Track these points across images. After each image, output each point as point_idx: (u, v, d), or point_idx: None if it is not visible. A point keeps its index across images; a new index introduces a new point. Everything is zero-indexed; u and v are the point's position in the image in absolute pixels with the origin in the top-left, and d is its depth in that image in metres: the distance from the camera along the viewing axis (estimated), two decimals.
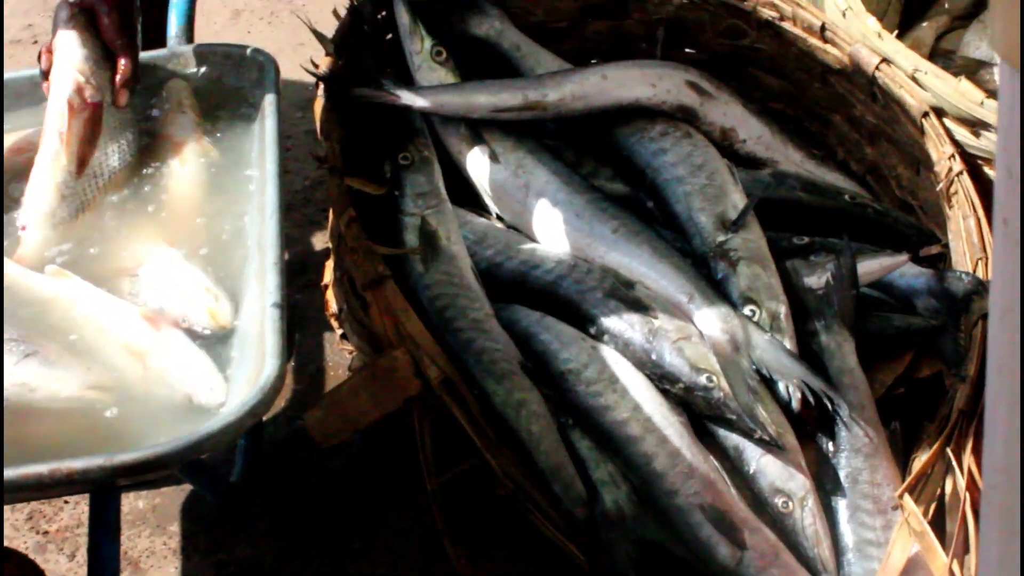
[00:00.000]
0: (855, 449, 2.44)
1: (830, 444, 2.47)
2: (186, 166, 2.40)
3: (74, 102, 2.26)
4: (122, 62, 2.36)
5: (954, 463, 2.35)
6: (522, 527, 2.41)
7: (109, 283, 2.15)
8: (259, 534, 2.57)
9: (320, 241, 3.36)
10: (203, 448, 1.60)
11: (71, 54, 2.30)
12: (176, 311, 2.07)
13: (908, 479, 2.36)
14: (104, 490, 1.96)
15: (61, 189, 2.26)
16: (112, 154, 2.36)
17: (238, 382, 1.85)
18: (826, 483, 2.44)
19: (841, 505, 2.42)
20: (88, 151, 2.29)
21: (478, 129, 2.84)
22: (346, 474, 2.67)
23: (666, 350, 2.48)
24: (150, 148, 2.47)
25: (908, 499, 2.33)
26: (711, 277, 2.62)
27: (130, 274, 2.19)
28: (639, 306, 2.54)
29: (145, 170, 2.41)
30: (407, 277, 2.59)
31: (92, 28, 2.34)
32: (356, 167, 2.67)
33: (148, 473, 1.59)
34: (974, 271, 2.62)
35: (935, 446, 2.38)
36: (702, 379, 2.44)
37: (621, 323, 2.53)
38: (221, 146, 2.47)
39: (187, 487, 2.65)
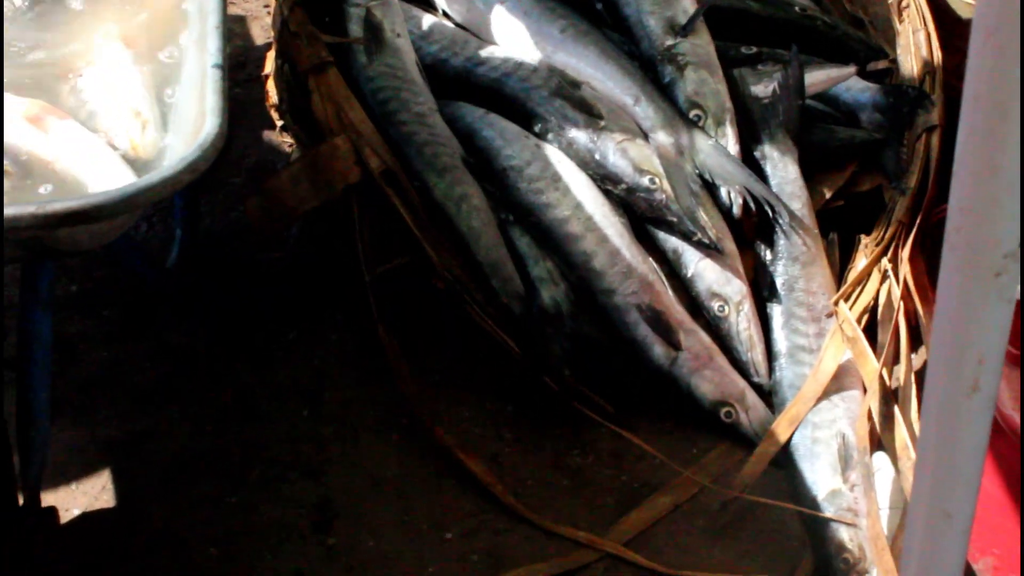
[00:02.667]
0: (793, 257, 2.46)
1: (768, 251, 2.48)
2: None
3: None
4: None
5: (891, 272, 2.37)
6: (459, 323, 2.42)
7: (51, 84, 2.04)
8: (194, 322, 2.55)
9: (261, 37, 3.27)
10: (139, 201, 1.54)
11: None
12: (102, 127, 1.97)
13: (844, 287, 2.39)
14: (38, 254, 1.90)
15: None
16: None
17: (175, 145, 1.80)
18: (762, 289, 2.46)
19: (776, 311, 2.44)
20: None
21: None
22: (282, 266, 2.64)
23: (610, 150, 2.46)
24: None
25: (843, 306, 2.36)
26: (658, 81, 2.60)
27: (77, 74, 2.08)
28: (584, 106, 2.51)
29: None
30: (349, 69, 2.54)
31: None
32: None
33: (84, 223, 1.54)
34: (921, 85, 2.61)
35: (872, 256, 2.40)
36: (645, 180, 2.43)
37: (566, 122, 2.51)
38: None
39: (118, 274, 2.62)
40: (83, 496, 2.22)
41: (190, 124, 1.74)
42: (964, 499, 1.13)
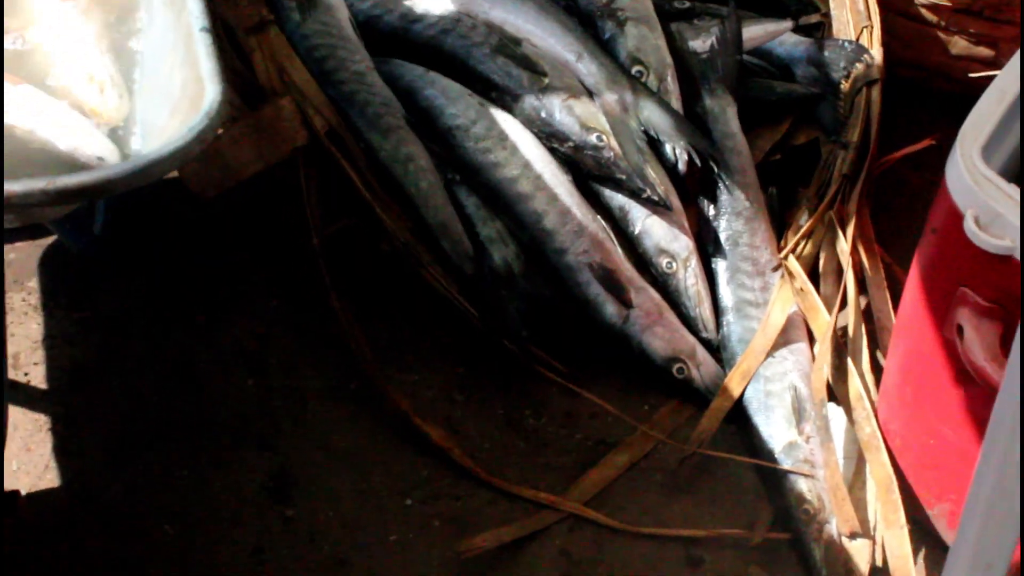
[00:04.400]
0: (736, 212, 2.46)
1: (711, 207, 2.48)
2: None
3: None
4: None
5: (836, 226, 2.39)
6: (404, 286, 2.38)
7: None
8: (123, 291, 2.45)
9: None
10: (151, 174, 1.47)
11: None
12: (59, 91, 1.84)
13: (793, 240, 2.40)
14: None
15: None
16: None
17: (158, 114, 1.70)
18: (707, 245, 2.46)
19: (721, 267, 2.44)
20: None
21: None
22: (209, 235, 2.56)
23: (556, 108, 2.43)
24: None
25: (792, 260, 2.37)
26: (598, 37, 2.56)
27: (18, 36, 1.94)
28: (528, 63, 2.47)
29: None
30: (282, 27, 2.45)
31: None
32: None
33: (96, 197, 1.47)
34: (857, 39, 2.63)
35: (818, 210, 2.42)
36: (592, 138, 2.40)
37: (509, 80, 2.47)
38: None
39: (42, 243, 2.51)
40: (26, 476, 2.13)
41: (177, 91, 1.66)
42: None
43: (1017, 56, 1.95)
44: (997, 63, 2.78)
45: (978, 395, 1.87)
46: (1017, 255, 1.70)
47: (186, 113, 1.57)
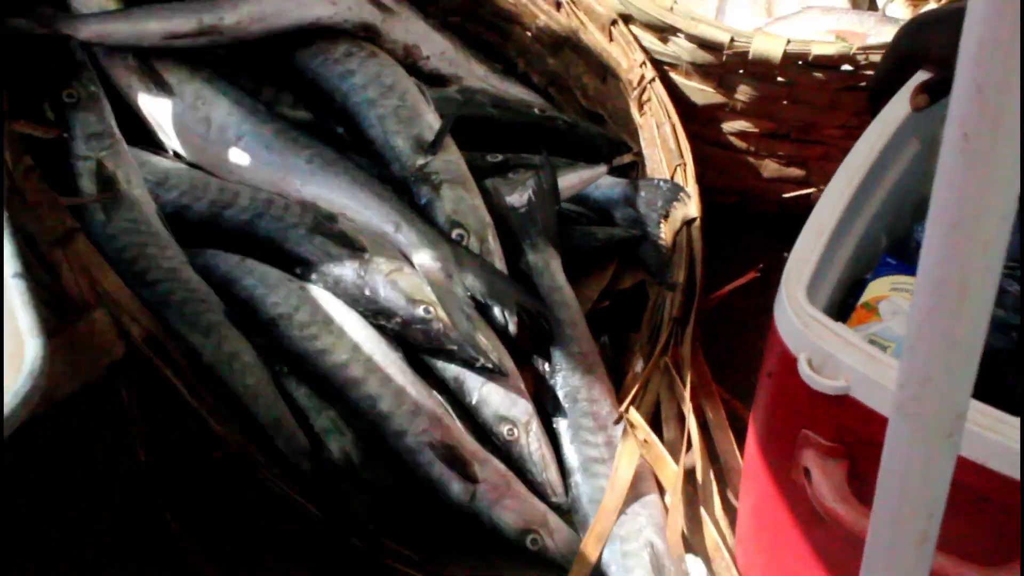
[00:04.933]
0: (571, 368, 2.43)
1: (546, 365, 2.45)
2: None
3: None
4: None
5: (673, 372, 2.38)
6: (248, 489, 2.28)
7: None
8: None
9: None
10: None
11: None
12: None
13: (632, 392, 2.38)
14: None
15: None
16: None
17: None
18: (546, 405, 2.42)
19: (563, 426, 2.40)
20: None
21: (148, 59, 2.61)
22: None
23: (380, 284, 2.37)
24: None
25: (633, 412, 2.35)
26: (414, 203, 2.53)
27: None
28: (346, 240, 2.42)
29: None
30: (87, 230, 2.36)
31: None
32: (20, 110, 2.40)
33: None
34: (672, 177, 2.65)
35: (653, 356, 2.40)
36: (419, 311, 2.35)
37: (329, 260, 2.41)
38: None
39: None
40: None
41: None
42: None
43: (831, 185, 1.95)
44: (809, 182, 2.84)
45: (832, 535, 1.86)
46: (853, 393, 1.70)
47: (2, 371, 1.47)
